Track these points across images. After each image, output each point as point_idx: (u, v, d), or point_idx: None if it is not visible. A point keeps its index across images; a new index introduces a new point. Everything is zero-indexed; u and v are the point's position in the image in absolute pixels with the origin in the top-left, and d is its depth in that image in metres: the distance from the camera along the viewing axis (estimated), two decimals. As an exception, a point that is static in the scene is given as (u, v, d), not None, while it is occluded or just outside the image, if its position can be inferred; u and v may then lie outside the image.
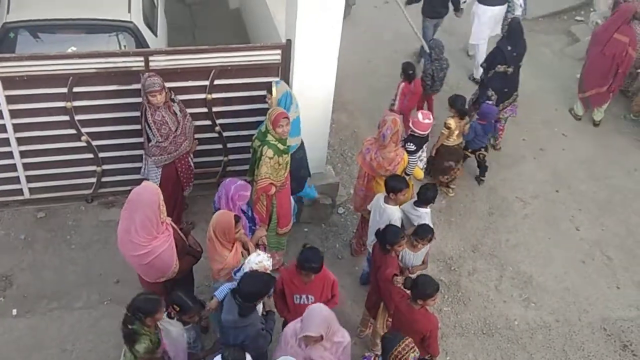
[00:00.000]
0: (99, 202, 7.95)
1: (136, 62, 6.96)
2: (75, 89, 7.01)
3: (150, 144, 6.93)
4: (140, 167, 7.35)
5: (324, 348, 5.08)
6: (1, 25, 7.64)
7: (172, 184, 7.20)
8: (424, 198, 6.82)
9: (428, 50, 9.04)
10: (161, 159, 6.99)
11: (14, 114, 7.07)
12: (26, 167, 7.49)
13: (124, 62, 6.95)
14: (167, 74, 6.90)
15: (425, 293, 5.66)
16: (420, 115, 7.39)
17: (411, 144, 7.36)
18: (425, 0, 10.09)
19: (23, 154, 7.38)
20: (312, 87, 7.27)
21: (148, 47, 7.83)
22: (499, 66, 8.82)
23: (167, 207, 6.89)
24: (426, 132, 7.46)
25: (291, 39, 7.01)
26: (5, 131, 7.15)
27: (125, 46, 7.81)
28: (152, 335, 5.19)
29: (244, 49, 7.37)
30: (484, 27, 10.09)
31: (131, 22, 7.86)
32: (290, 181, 7.03)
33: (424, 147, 7.75)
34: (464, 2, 10.23)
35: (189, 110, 7.14)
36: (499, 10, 9.91)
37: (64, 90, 6.98)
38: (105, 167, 7.69)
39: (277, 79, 7.31)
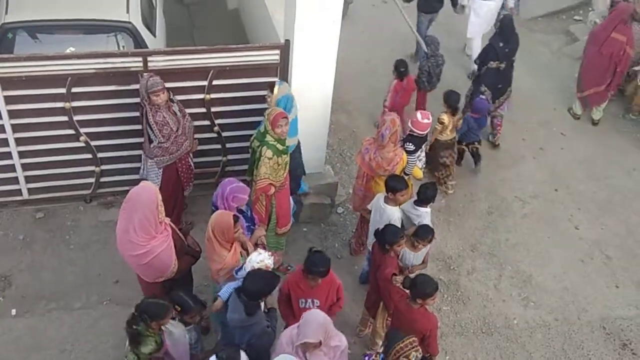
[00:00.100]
0: (97, 203, 7.95)
1: (135, 63, 6.96)
2: (74, 90, 7.01)
3: (151, 145, 6.92)
4: (139, 168, 7.34)
5: (323, 353, 5.05)
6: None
7: (173, 184, 7.21)
8: (424, 197, 6.82)
9: (426, 49, 9.06)
10: (163, 159, 6.99)
11: (12, 114, 7.07)
12: (25, 167, 7.49)
13: (122, 62, 6.96)
14: (166, 74, 6.90)
15: (424, 292, 5.66)
16: (419, 115, 7.40)
17: (410, 144, 7.36)
18: None
19: (22, 155, 7.38)
20: (311, 87, 7.27)
21: (146, 47, 7.83)
22: (491, 62, 8.93)
23: (167, 207, 6.90)
24: (425, 132, 7.47)
25: (290, 39, 7.01)
26: (4, 132, 7.15)
27: (123, 46, 7.82)
28: (156, 336, 5.19)
29: (242, 49, 7.37)
30: (480, 20, 10.14)
31: (130, 22, 7.86)
32: (289, 181, 7.04)
33: (422, 147, 7.75)
34: None
35: (188, 111, 7.14)
36: (495, 5, 9.98)
37: (63, 90, 6.98)
38: (104, 167, 7.69)
39: (276, 79, 7.32)
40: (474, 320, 7.44)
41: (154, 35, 8.40)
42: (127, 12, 7.94)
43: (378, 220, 6.69)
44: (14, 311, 6.90)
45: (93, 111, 7.22)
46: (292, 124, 6.78)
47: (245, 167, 7.24)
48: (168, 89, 6.82)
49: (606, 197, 9.06)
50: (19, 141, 7.27)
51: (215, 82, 7.31)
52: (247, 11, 10.38)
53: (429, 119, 7.41)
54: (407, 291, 5.84)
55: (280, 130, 6.49)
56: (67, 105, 7.08)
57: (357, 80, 9.82)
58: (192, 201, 7.80)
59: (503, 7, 10.01)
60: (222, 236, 5.77)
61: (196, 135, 7.32)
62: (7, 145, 7.25)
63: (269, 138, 6.55)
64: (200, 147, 7.43)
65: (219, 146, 7.85)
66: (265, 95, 6.96)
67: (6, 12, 7.75)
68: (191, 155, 7.29)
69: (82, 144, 7.42)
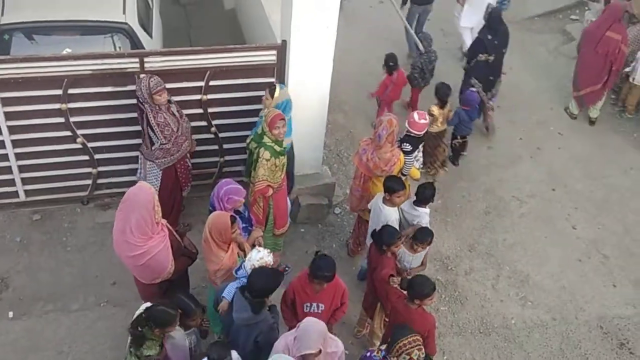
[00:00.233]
0: (94, 204, 7.94)
1: (131, 64, 6.95)
2: (70, 91, 7.00)
3: (153, 147, 6.91)
4: (136, 169, 7.33)
5: None
6: (-4, 27, 7.64)
7: (172, 185, 7.21)
8: (423, 197, 6.82)
9: (422, 49, 9.09)
10: (164, 161, 6.98)
11: (8, 116, 7.06)
12: (21, 169, 7.47)
13: (119, 63, 6.94)
14: (163, 75, 6.87)
15: (422, 293, 5.66)
16: (416, 116, 7.39)
17: (407, 145, 7.35)
18: None
19: (18, 156, 7.37)
20: (308, 88, 7.27)
21: (143, 48, 7.83)
22: (480, 55, 9.05)
23: (166, 208, 6.92)
24: (422, 132, 7.47)
25: (286, 39, 7.01)
26: (0, 133, 7.14)
27: (120, 47, 7.81)
28: (159, 340, 5.18)
29: (239, 49, 7.37)
30: (476, 10, 10.18)
31: (126, 23, 7.86)
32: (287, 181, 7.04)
33: (420, 147, 7.75)
34: None
35: (185, 112, 7.13)
36: None
37: (59, 92, 6.97)
38: (100, 168, 7.68)
39: (273, 79, 7.32)
40: (471, 320, 7.45)
41: (151, 36, 8.40)
42: (124, 13, 7.94)
43: (376, 221, 6.69)
44: (11, 313, 6.89)
45: (90, 112, 7.21)
46: (287, 125, 6.78)
47: (243, 167, 7.23)
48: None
49: (603, 197, 9.07)
50: (15, 143, 7.25)
51: (212, 83, 7.30)
52: (244, 11, 10.37)
53: (425, 119, 7.40)
54: (405, 292, 5.84)
55: (277, 131, 6.49)
56: (63, 106, 7.07)
57: (354, 80, 9.82)
58: (190, 202, 7.80)
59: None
60: (219, 237, 5.77)
61: (193, 136, 7.32)
62: (4, 147, 7.24)
63: (266, 139, 6.54)
64: (197, 148, 7.42)
65: (216, 147, 7.85)
66: (262, 96, 6.94)
67: (2, 14, 7.75)
68: (189, 155, 7.28)
69: (79, 146, 7.41)
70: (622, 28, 9.43)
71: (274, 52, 7.20)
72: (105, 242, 7.31)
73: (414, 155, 7.53)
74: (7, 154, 7.30)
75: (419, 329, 5.63)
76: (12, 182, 7.56)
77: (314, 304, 5.86)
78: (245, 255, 5.88)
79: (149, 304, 5.31)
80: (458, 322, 7.41)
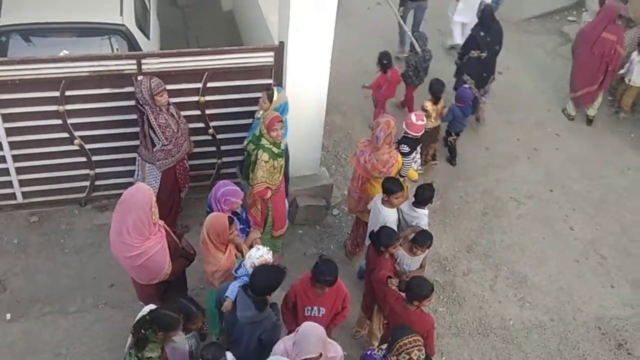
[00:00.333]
0: (92, 206, 7.93)
1: (128, 65, 6.95)
2: (68, 93, 7.00)
3: (154, 149, 6.90)
4: (134, 171, 7.32)
5: None
6: (-7, 29, 7.63)
7: (170, 187, 7.22)
8: (422, 198, 6.83)
9: (420, 51, 9.11)
10: (165, 162, 6.98)
11: (6, 117, 7.05)
12: (19, 171, 7.46)
13: (116, 65, 6.94)
14: (160, 76, 6.85)
15: (420, 294, 5.66)
16: (413, 117, 7.39)
17: (405, 146, 7.35)
18: None
19: (16, 158, 7.36)
20: (306, 89, 7.27)
21: (140, 50, 7.82)
22: (472, 52, 9.16)
23: (164, 210, 6.94)
24: (419, 134, 7.47)
25: (284, 41, 7.01)
26: (-2, 135, 7.14)
27: (117, 49, 7.80)
28: (161, 343, 5.17)
29: (236, 51, 7.37)
30: (469, 7, 10.26)
31: (123, 25, 7.84)
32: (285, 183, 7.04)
33: (417, 148, 7.75)
34: None
35: (183, 113, 7.12)
36: None
37: (57, 93, 6.97)
38: (98, 170, 7.67)
39: (271, 81, 7.32)
40: (469, 321, 7.45)
41: (148, 38, 8.39)
42: (121, 14, 7.92)
43: (375, 222, 6.69)
44: (8, 315, 6.88)
45: (87, 114, 7.21)
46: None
47: (237, 168, 7.23)
48: (164, 90, 6.83)
49: (601, 197, 9.08)
50: (12, 145, 7.24)
51: (209, 84, 7.30)
52: (242, 13, 10.37)
53: (423, 121, 7.40)
54: (403, 293, 5.84)
55: (275, 134, 6.49)
56: (60, 108, 7.06)
57: (352, 81, 9.82)
58: (187, 204, 7.79)
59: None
60: (217, 238, 5.77)
61: (191, 138, 7.31)
62: (1, 149, 7.23)
63: (264, 141, 6.54)
64: (195, 150, 7.42)
65: (213, 148, 7.84)
66: (259, 99, 6.93)
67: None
68: (186, 157, 7.28)
69: (77, 147, 7.40)
70: (617, 29, 9.46)
71: (272, 53, 7.20)
72: (103, 244, 7.30)
73: (411, 156, 7.53)
74: (4, 156, 7.29)
75: (418, 330, 5.63)
76: (9, 184, 7.55)
77: (315, 308, 5.85)
78: (242, 257, 5.88)
79: (152, 307, 5.31)
80: (456, 323, 7.41)
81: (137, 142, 7.15)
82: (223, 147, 7.85)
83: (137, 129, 7.03)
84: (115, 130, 7.37)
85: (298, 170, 7.88)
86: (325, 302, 5.85)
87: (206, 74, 7.20)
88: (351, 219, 7.89)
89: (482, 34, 9.15)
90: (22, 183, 7.58)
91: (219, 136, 7.74)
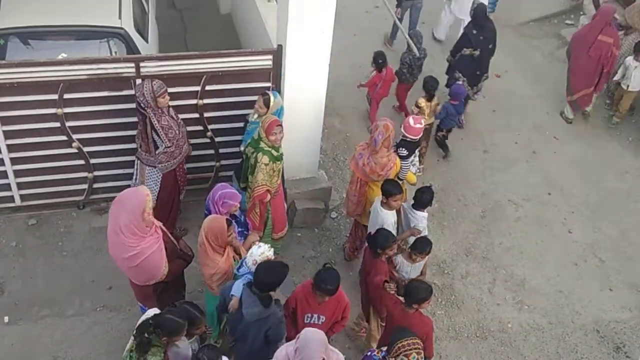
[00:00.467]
0: (90, 209, 7.92)
1: (127, 69, 6.95)
2: (66, 96, 6.99)
3: (157, 152, 6.90)
4: (132, 173, 7.32)
5: None
6: (-9, 32, 7.63)
7: (170, 189, 7.23)
8: (421, 201, 6.85)
9: (417, 53, 9.13)
10: (168, 165, 6.98)
11: (4, 120, 7.05)
12: (17, 174, 7.45)
13: (114, 68, 6.94)
14: (159, 79, 6.88)
15: (419, 298, 5.66)
16: (411, 120, 7.40)
17: (403, 149, 7.36)
18: None
19: (14, 161, 7.35)
20: (304, 92, 7.27)
21: (139, 53, 7.83)
22: (464, 50, 9.24)
23: (164, 212, 6.95)
24: (418, 137, 7.47)
25: (282, 44, 7.01)
26: (-4, 138, 7.13)
27: (116, 52, 7.81)
28: (164, 347, 5.17)
29: (235, 54, 7.37)
30: (463, 5, 10.37)
31: (122, 28, 7.85)
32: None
33: (416, 151, 7.76)
34: None
35: (181, 116, 7.11)
36: None
37: (55, 96, 6.96)
38: (96, 173, 7.67)
39: (269, 84, 7.32)
40: (468, 324, 7.45)
41: (147, 41, 8.39)
42: (119, 17, 7.93)
43: (374, 223, 6.70)
44: (6, 318, 6.87)
45: (85, 117, 7.20)
46: None
47: (232, 173, 7.23)
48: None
49: (599, 200, 9.09)
50: (11, 147, 7.24)
51: (208, 88, 7.30)
52: (240, 16, 10.38)
53: (421, 124, 7.41)
54: (401, 298, 5.84)
55: (274, 137, 6.49)
56: (59, 111, 7.06)
57: (351, 84, 9.82)
58: (186, 207, 7.78)
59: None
60: (215, 240, 5.76)
61: (189, 141, 7.31)
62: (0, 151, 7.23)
63: (263, 145, 6.55)
64: (193, 153, 7.42)
65: (212, 151, 7.84)
66: (255, 103, 6.93)
67: (-2, 18, 7.75)
68: (184, 159, 7.28)
69: (75, 150, 7.40)
70: (613, 31, 9.52)
71: (270, 56, 7.20)
72: (102, 247, 7.29)
73: (410, 159, 7.54)
74: (2, 159, 7.28)
75: (417, 333, 5.64)
76: (7, 187, 7.54)
77: (315, 315, 5.84)
78: (240, 259, 5.88)
79: (155, 311, 5.31)
80: (454, 326, 7.41)
81: (135, 145, 7.14)
82: (221, 150, 7.84)
83: (135, 132, 7.04)
84: (114, 133, 7.36)
85: (296, 173, 7.88)
86: (326, 311, 5.84)
87: (204, 76, 7.20)
88: (350, 222, 7.89)
89: (474, 31, 9.22)
90: (20, 186, 7.58)
91: (217, 139, 7.74)
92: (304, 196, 8.00)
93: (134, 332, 5.10)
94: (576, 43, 9.83)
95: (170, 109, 6.91)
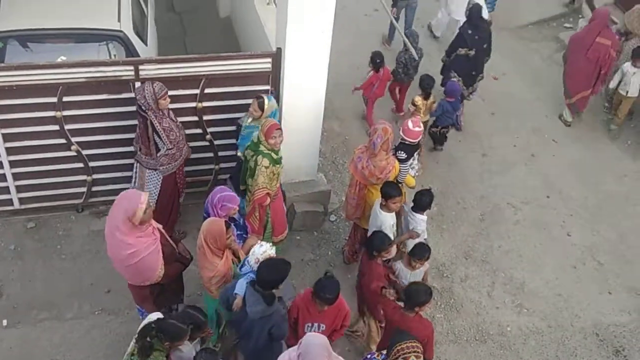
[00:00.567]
0: (89, 212, 7.92)
1: (126, 72, 6.95)
2: (65, 99, 6.99)
3: (159, 154, 6.89)
4: (131, 176, 7.31)
5: None
6: (-10, 35, 7.62)
7: (170, 192, 7.23)
8: (420, 204, 6.86)
9: (416, 55, 9.15)
10: (169, 167, 6.98)
11: (3, 123, 7.04)
12: (16, 177, 7.45)
13: (113, 71, 6.94)
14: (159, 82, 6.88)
15: (419, 301, 5.66)
16: (410, 124, 7.40)
17: (402, 152, 7.36)
18: None
19: (13, 164, 7.34)
20: (303, 95, 7.27)
21: (138, 56, 7.82)
22: (460, 49, 9.29)
23: (163, 215, 6.93)
24: (417, 140, 7.48)
25: (281, 45, 7.01)
26: (-6, 141, 7.13)
27: (115, 55, 7.80)
28: (166, 352, 5.16)
29: (234, 57, 7.38)
30: (460, 5, 10.34)
31: (121, 31, 7.85)
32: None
33: (415, 155, 7.77)
34: None
35: (180, 119, 7.12)
36: None
37: (54, 99, 6.96)
38: (95, 176, 7.66)
39: (268, 87, 7.32)
40: (467, 327, 7.44)
41: (146, 44, 8.39)
42: (119, 20, 7.93)
43: (374, 226, 6.70)
44: (5, 322, 6.86)
45: (84, 120, 7.20)
46: None
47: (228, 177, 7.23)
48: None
49: (598, 203, 9.09)
50: (9, 151, 7.23)
51: (207, 90, 7.30)
52: (239, 19, 10.38)
53: (420, 127, 7.41)
54: (400, 303, 5.83)
55: (273, 141, 6.50)
56: (58, 114, 7.06)
57: (349, 87, 9.82)
58: (185, 210, 7.77)
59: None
60: (214, 243, 5.76)
61: (188, 144, 7.30)
62: (-2, 155, 7.23)
63: (262, 148, 6.54)
64: (192, 155, 7.41)
65: (211, 154, 7.84)
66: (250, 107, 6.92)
67: (-3, 21, 7.74)
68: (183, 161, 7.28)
69: (74, 153, 7.39)
70: (611, 33, 9.55)
71: (269, 59, 7.20)
72: (100, 250, 7.28)
73: (409, 163, 7.54)
74: (1, 162, 7.28)
75: (417, 336, 5.63)
76: (6, 190, 7.53)
77: (315, 324, 5.84)
78: (239, 262, 5.88)
79: (158, 315, 5.30)
80: (454, 329, 7.40)
81: (133, 148, 7.14)
82: (220, 153, 7.84)
83: (134, 135, 7.04)
84: (113, 136, 7.36)
85: (295, 176, 7.88)
86: (326, 319, 5.84)
87: (204, 80, 7.20)
88: (349, 225, 7.89)
89: (469, 31, 9.25)
90: (19, 189, 7.57)
91: (216, 142, 7.74)
92: (303, 199, 8.00)
93: (136, 335, 5.09)
94: (574, 45, 9.85)
95: (170, 111, 6.91)
